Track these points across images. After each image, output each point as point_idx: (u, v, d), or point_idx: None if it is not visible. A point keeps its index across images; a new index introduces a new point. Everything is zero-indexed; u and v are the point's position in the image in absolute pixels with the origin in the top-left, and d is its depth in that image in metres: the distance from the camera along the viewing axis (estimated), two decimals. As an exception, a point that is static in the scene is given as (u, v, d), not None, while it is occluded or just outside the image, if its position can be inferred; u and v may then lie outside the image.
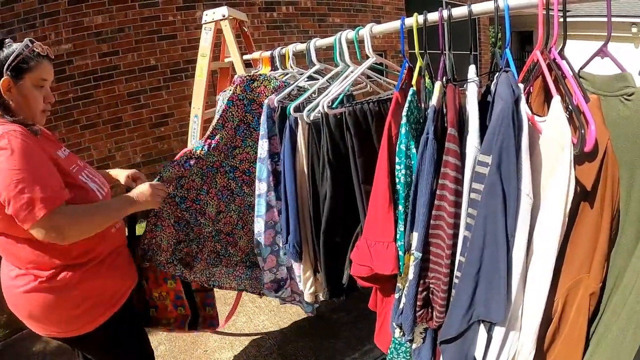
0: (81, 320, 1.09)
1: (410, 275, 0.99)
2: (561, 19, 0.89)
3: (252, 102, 1.51)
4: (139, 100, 4.18)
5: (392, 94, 1.16)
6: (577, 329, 0.84)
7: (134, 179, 1.38)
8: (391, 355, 1.23)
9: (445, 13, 1.06)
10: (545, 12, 0.90)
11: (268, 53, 1.80)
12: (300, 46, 1.61)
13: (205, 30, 1.94)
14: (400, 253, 1.05)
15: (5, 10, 3.55)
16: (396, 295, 1.08)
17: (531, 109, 0.94)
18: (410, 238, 1.01)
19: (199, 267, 1.53)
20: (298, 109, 1.31)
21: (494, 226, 0.82)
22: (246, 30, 2.13)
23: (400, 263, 1.05)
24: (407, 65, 1.16)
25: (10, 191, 0.89)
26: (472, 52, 1.10)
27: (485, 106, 0.94)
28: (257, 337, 2.15)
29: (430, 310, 1.02)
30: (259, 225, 1.45)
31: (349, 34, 1.32)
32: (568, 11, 0.90)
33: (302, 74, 1.60)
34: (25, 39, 1.03)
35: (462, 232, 0.92)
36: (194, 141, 2.00)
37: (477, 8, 1.03)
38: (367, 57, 1.29)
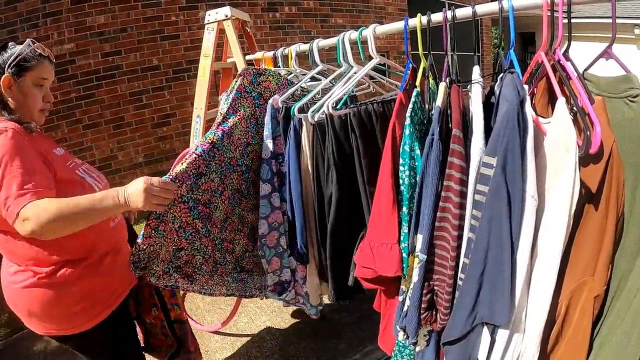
0: (80, 318, 1.09)
1: (415, 278, 0.99)
2: (565, 20, 0.89)
3: (260, 97, 1.47)
4: (141, 100, 4.18)
5: (395, 95, 1.15)
6: (580, 332, 0.84)
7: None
8: (395, 358, 1.22)
9: (449, 14, 1.05)
10: (549, 14, 0.90)
11: (271, 53, 1.80)
12: (304, 46, 1.61)
13: (207, 31, 1.94)
14: (404, 255, 1.04)
15: (7, 10, 3.56)
16: (400, 298, 1.08)
17: (535, 111, 0.94)
18: (414, 240, 1.00)
19: (202, 280, 1.38)
20: (302, 110, 1.31)
21: (498, 228, 0.82)
22: (249, 30, 2.13)
23: (404, 265, 1.05)
24: (410, 66, 1.16)
25: None
26: (476, 54, 1.10)
27: (489, 107, 0.94)
28: (258, 337, 2.15)
29: (434, 312, 1.02)
30: (263, 227, 1.42)
31: (352, 34, 1.32)
32: (572, 12, 0.90)
33: (305, 75, 1.60)
34: (27, 40, 1.05)
35: (466, 233, 0.92)
36: (196, 141, 2.00)
37: (481, 9, 1.03)
38: (370, 58, 1.29)
